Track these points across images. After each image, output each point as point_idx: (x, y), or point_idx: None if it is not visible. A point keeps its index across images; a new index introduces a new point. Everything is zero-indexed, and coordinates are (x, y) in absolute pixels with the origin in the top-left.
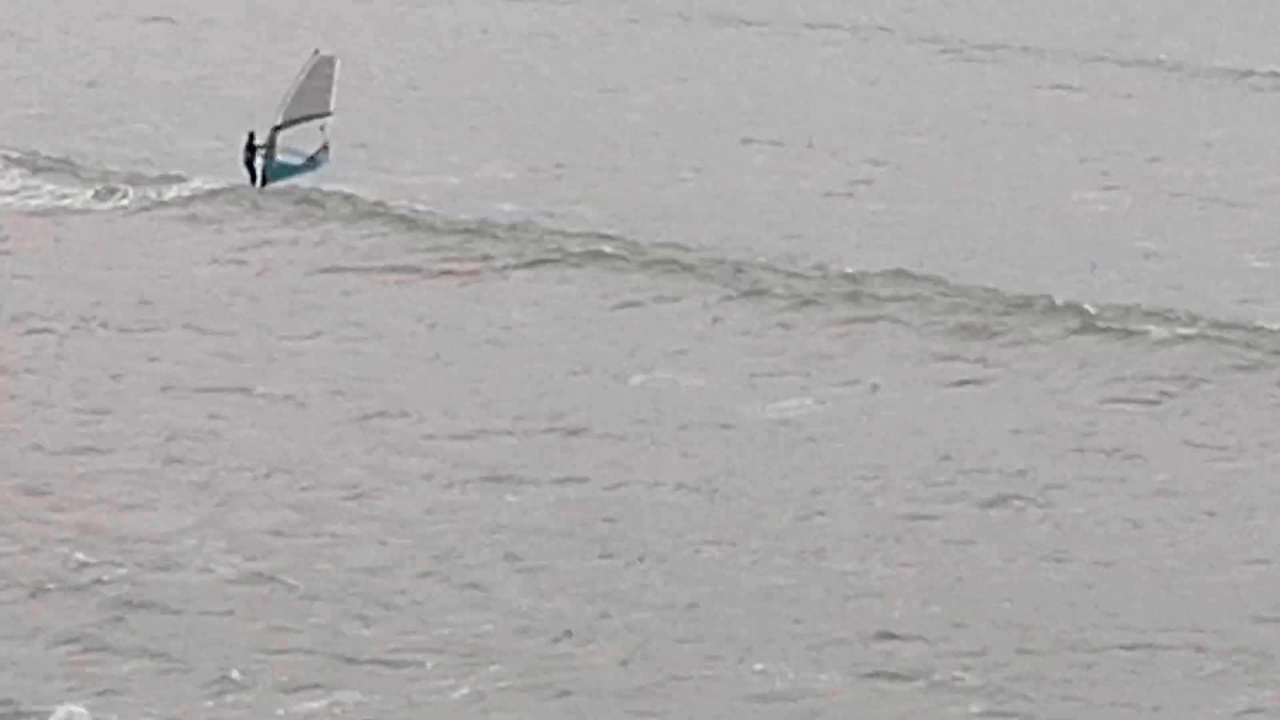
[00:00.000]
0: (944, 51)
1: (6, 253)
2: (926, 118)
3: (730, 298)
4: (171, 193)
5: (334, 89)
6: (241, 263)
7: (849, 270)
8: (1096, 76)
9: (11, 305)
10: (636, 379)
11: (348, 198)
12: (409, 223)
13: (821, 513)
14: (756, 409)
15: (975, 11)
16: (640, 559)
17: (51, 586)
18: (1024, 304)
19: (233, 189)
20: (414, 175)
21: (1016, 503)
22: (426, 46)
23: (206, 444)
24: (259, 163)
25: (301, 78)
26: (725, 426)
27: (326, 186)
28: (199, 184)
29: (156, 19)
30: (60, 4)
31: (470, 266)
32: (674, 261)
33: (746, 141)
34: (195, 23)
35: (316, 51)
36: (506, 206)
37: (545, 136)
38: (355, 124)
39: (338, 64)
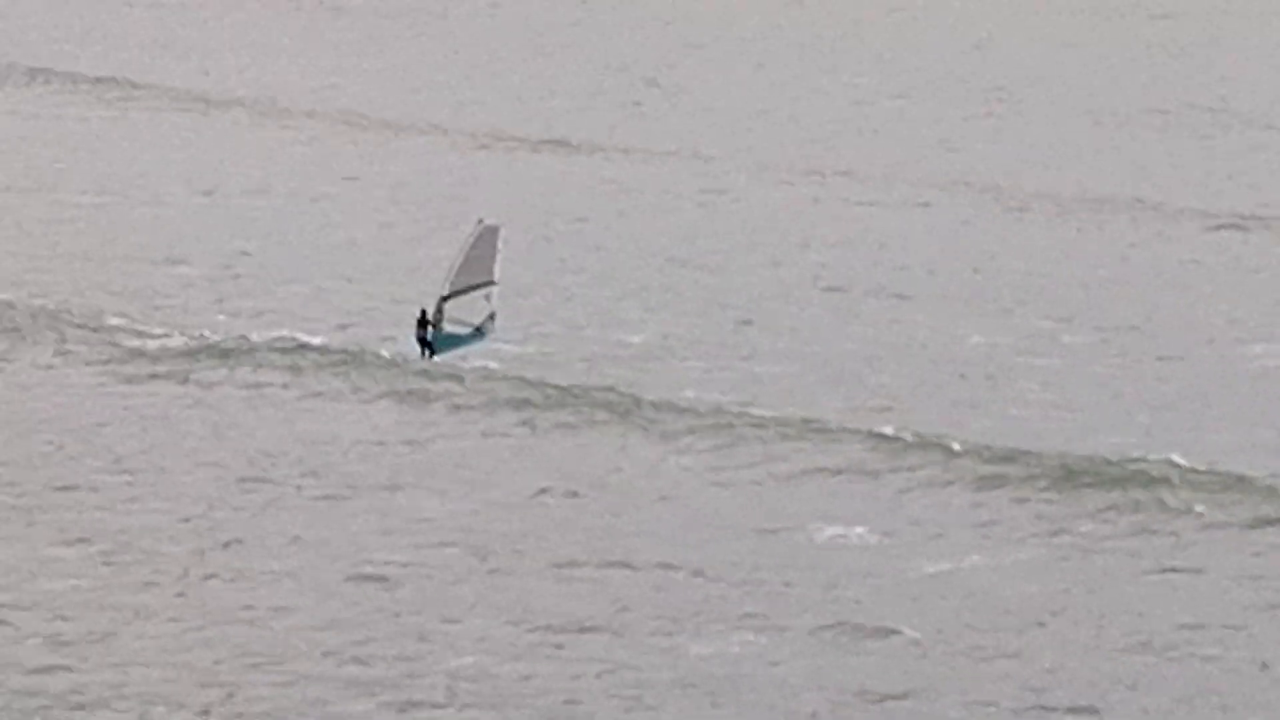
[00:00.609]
0: (1103, 204)
1: (193, 409)
2: (1099, 277)
3: (906, 463)
4: (322, 350)
5: (498, 257)
6: (403, 421)
7: (1024, 433)
8: (1266, 226)
9: (233, 465)
10: (821, 534)
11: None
12: (570, 382)
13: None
14: (926, 563)
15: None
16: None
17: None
18: (1210, 477)
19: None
20: (583, 331)
21: (1190, 655)
22: (597, 206)
23: (390, 596)
24: (429, 335)
25: (467, 247)
26: (902, 581)
27: (494, 347)
28: (343, 341)
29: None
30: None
31: (639, 423)
32: (841, 424)
33: (908, 298)
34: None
35: (481, 220)
36: (677, 363)
37: (719, 292)
38: (524, 289)
39: (502, 232)
